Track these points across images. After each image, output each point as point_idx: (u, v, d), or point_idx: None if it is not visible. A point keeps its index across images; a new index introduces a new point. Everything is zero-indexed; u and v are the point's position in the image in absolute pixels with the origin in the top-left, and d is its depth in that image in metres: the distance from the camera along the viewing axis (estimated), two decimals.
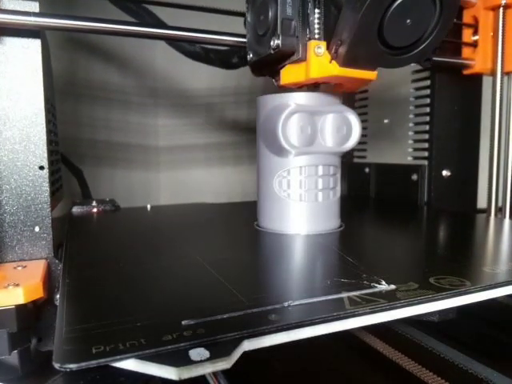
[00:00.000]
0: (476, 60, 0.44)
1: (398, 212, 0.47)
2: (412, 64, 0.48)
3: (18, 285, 0.23)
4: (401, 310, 0.18)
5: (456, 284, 0.20)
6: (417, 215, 0.45)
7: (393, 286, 0.20)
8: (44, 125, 0.28)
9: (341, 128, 0.32)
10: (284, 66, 0.30)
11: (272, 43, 0.28)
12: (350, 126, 0.33)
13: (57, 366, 0.13)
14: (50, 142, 0.30)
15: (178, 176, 0.70)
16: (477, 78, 0.48)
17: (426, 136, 0.48)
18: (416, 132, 0.49)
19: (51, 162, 0.31)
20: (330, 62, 0.28)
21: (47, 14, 0.28)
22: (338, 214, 0.35)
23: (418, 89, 0.49)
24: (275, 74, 0.32)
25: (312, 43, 0.28)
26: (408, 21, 0.26)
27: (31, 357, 0.24)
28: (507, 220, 0.43)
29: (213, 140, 0.72)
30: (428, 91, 0.48)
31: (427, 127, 0.48)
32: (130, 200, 0.66)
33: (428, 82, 0.48)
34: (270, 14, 0.28)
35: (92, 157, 0.64)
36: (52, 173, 0.31)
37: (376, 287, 0.20)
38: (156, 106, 0.68)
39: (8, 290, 0.22)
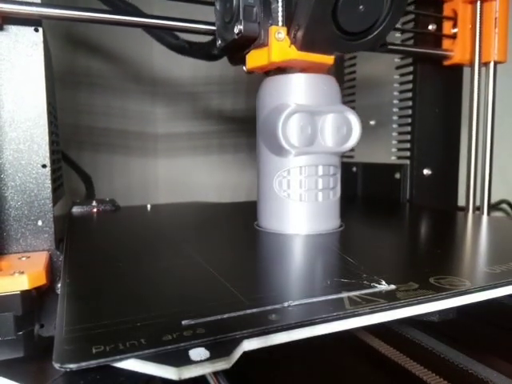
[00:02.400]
0: (455, 51, 0.46)
1: (395, 212, 0.47)
2: (396, 59, 0.51)
3: (22, 272, 0.25)
4: (401, 309, 0.18)
5: (456, 284, 0.20)
6: (416, 215, 0.45)
7: (393, 286, 0.20)
8: (46, 126, 0.30)
9: (341, 128, 0.32)
10: (249, 52, 0.32)
11: (236, 29, 0.29)
12: (350, 126, 0.33)
13: (57, 365, 0.13)
14: (51, 142, 0.32)
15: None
16: (457, 75, 0.49)
17: (408, 137, 0.50)
18: (399, 133, 0.51)
19: (53, 161, 0.32)
20: (290, 46, 0.29)
21: (48, 4, 0.29)
22: (338, 213, 0.35)
23: (401, 83, 0.51)
24: (244, 60, 0.33)
25: (273, 29, 0.29)
26: (361, 7, 0.27)
27: (34, 340, 0.26)
28: (507, 220, 0.43)
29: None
30: (410, 86, 0.49)
31: (409, 128, 0.50)
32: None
33: (411, 77, 0.49)
34: (234, 1, 0.29)
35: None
36: (53, 171, 0.32)
37: (376, 287, 0.20)
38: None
39: (14, 276, 0.24)
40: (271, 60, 0.30)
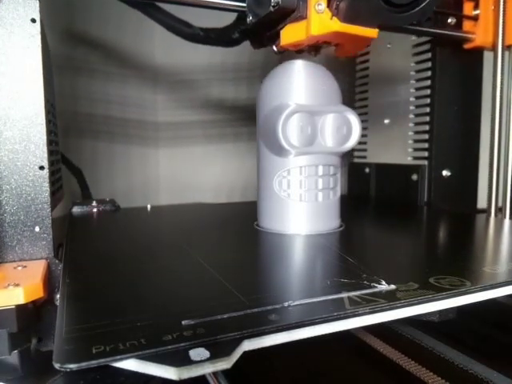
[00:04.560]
0: (477, 33, 0.44)
1: (398, 212, 0.47)
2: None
3: (18, 285, 0.22)
4: (401, 310, 0.18)
5: (456, 284, 0.20)
6: (417, 215, 0.45)
7: (393, 286, 0.20)
8: (44, 125, 0.28)
9: (341, 128, 0.32)
10: (283, 27, 0.30)
11: (272, 1, 0.28)
12: (350, 126, 0.33)
13: (57, 366, 0.13)
14: (50, 142, 0.30)
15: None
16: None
17: (426, 136, 0.48)
18: (416, 132, 0.49)
19: (51, 162, 0.31)
20: (331, 18, 0.28)
21: None
22: (338, 213, 0.35)
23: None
24: (275, 38, 0.32)
25: (312, 0, 0.28)
26: None
27: (31, 357, 0.24)
28: (507, 220, 0.43)
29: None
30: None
31: (427, 127, 0.48)
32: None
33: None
34: None
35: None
36: (52, 173, 0.31)
37: (376, 287, 0.20)
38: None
39: (8, 289, 0.22)
40: (310, 33, 0.28)
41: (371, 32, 0.29)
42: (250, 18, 0.32)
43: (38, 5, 0.28)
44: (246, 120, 0.71)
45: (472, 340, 0.26)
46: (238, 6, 0.33)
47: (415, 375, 0.22)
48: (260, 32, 0.33)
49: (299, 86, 0.32)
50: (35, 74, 0.28)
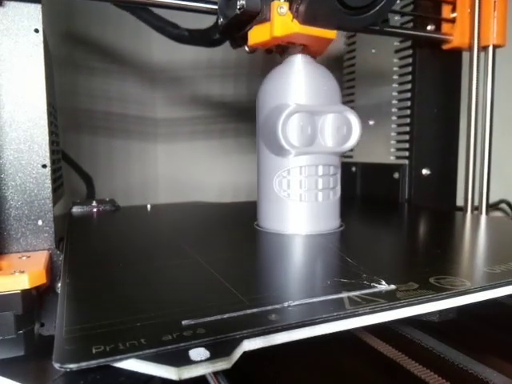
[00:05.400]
0: (454, 35, 0.46)
1: (392, 211, 0.47)
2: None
3: (23, 272, 0.25)
4: (401, 309, 0.18)
5: (456, 284, 0.20)
6: (415, 215, 0.45)
7: (393, 286, 0.20)
8: (46, 126, 0.31)
9: (341, 128, 0.32)
10: (251, 28, 0.32)
11: (238, 4, 0.30)
12: (350, 126, 0.33)
13: (57, 365, 0.13)
14: (51, 143, 0.32)
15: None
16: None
17: (407, 136, 0.50)
18: (398, 133, 0.51)
19: (53, 161, 0.32)
20: (292, 20, 0.30)
21: None
22: (338, 213, 0.35)
23: (401, 83, 0.51)
24: (246, 40, 0.33)
25: (275, 3, 0.30)
26: None
27: (34, 338, 0.26)
28: (506, 219, 0.43)
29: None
30: (409, 86, 0.50)
31: (408, 128, 0.50)
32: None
33: (410, 77, 0.49)
34: None
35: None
36: (53, 171, 0.33)
37: (376, 287, 0.20)
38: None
39: (14, 276, 0.24)
40: (273, 34, 0.30)
41: (329, 33, 0.31)
42: (220, 20, 0.34)
43: (40, 16, 0.30)
44: (244, 116, 0.71)
45: (472, 340, 0.25)
46: (211, 9, 0.35)
47: (415, 375, 0.22)
48: (231, 33, 0.35)
49: (299, 85, 0.32)
50: (38, 79, 0.30)
